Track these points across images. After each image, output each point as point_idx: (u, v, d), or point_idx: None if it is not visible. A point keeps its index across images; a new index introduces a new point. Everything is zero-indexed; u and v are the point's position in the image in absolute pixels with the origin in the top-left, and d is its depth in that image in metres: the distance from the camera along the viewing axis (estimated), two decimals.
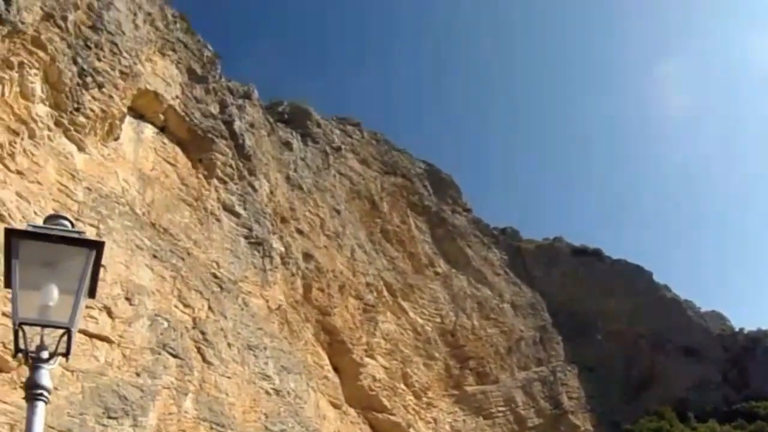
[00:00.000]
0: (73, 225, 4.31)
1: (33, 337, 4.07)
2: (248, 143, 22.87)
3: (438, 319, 31.83)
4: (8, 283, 4.09)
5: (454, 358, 31.85)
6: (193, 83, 20.65)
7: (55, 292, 4.10)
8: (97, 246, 4.25)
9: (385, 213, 32.47)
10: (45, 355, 3.98)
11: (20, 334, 3.96)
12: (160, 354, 14.38)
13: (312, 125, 31.36)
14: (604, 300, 44.15)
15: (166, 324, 14.80)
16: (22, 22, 13.29)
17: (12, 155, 12.82)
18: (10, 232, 4.08)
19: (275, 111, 30.70)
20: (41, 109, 13.94)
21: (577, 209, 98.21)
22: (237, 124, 22.52)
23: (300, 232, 24.52)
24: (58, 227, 4.20)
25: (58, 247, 4.16)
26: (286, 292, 21.81)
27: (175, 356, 14.73)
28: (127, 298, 13.98)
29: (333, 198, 28.61)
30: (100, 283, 4.47)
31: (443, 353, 31.10)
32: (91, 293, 4.27)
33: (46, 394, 3.94)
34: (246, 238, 20.48)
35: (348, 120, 35.81)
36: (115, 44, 16.44)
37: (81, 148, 15.02)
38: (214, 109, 21.63)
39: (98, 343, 12.90)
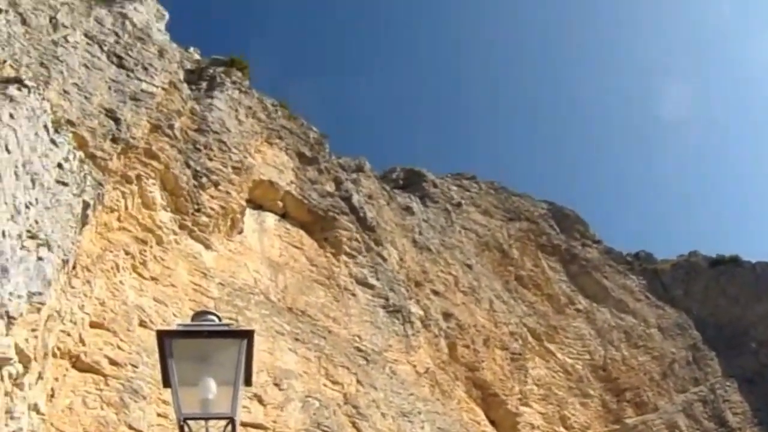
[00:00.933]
0: (220, 319, 4.54)
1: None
2: (369, 215, 22.81)
3: (587, 356, 30.22)
4: (167, 383, 4.30)
5: (610, 392, 29.99)
6: (304, 166, 20.95)
7: (213, 384, 4.27)
8: (248, 335, 4.42)
9: (516, 259, 31.60)
10: None
11: (185, 430, 4.15)
12: None
13: (428, 186, 31.29)
14: (751, 306, 40.81)
15: (317, 404, 14.48)
16: (133, 138, 13.85)
17: (144, 263, 13.15)
18: (163, 334, 4.35)
19: (389, 178, 30.88)
20: (164, 216, 14.35)
21: (707, 219, 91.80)
22: (355, 198, 22.58)
23: (436, 293, 23.99)
24: (206, 323, 4.43)
25: (211, 342, 4.37)
26: (432, 354, 21.16)
27: None
28: (275, 384, 13.83)
29: (462, 254, 28.03)
30: None
31: (598, 389, 29.35)
32: (247, 381, 4.44)
33: None
34: (384, 307, 20.11)
35: (463, 175, 35.52)
36: (223, 142, 16.91)
37: (208, 247, 15.31)
38: (330, 187, 21.81)
39: (253, 431, 12.73)
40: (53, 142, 10.44)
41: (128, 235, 13.15)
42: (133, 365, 11.41)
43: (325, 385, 15.34)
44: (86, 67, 13.80)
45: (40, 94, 10.52)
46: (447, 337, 22.54)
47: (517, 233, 33.09)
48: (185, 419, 4.12)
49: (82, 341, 10.91)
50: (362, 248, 21.23)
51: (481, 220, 32.16)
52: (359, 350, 17.55)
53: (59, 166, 10.45)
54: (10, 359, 7.72)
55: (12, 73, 10.81)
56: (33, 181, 9.27)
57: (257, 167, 18.33)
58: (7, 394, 7.79)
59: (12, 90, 9.65)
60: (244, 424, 12.46)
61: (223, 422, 4.17)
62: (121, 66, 14.72)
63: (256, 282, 16.25)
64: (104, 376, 11.01)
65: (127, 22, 15.74)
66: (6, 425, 7.65)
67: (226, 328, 4.43)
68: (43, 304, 8.48)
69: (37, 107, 10.10)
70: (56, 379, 9.99)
